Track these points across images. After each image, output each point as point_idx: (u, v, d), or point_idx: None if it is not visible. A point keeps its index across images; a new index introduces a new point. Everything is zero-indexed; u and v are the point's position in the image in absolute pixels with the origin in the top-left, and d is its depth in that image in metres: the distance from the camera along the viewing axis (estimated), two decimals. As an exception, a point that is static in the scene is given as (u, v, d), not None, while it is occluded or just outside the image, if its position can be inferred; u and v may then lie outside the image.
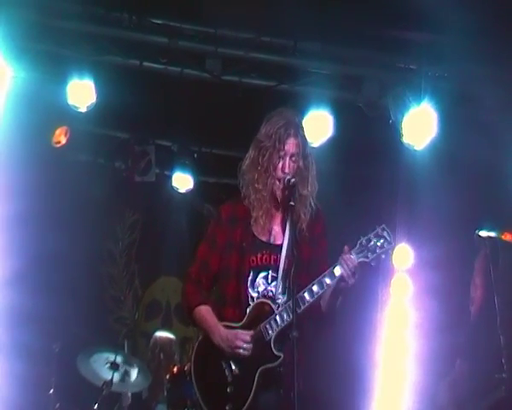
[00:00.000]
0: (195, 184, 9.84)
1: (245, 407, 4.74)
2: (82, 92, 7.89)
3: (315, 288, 4.77)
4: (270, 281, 4.95)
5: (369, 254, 4.78)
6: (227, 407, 4.78)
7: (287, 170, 4.94)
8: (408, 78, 7.83)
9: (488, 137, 7.33)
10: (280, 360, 4.74)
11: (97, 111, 8.16)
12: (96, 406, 7.55)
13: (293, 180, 4.88)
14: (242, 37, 7.79)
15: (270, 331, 4.78)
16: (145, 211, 10.53)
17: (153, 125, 9.36)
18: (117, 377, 7.82)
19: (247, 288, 4.93)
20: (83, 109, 8.03)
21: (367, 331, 8.77)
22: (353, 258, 4.75)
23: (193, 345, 5.15)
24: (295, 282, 4.66)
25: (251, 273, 4.95)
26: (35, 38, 7.59)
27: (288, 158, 4.95)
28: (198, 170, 9.83)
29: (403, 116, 7.77)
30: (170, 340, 8.56)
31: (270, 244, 5.00)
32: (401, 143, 7.84)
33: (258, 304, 4.90)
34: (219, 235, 5.08)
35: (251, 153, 5.07)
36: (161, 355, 8.37)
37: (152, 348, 8.52)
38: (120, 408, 7.96)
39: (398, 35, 7.62)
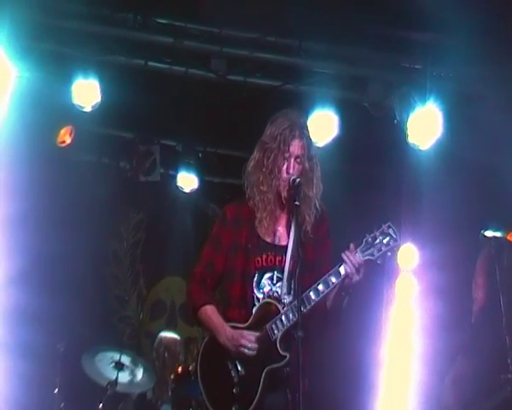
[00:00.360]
0: (200, 184, 9.83)
1: (251, 408, 4.74)
2: (87, 92, 7.90)
3: (320, 287, 4.77)
4: (275, 282, 4.95)
5: (375, 252, 4.79)
6: (233, 408, 4.77)
7: (291, 171, 4.94)
8: (413, 78, 7.83)
9: (493, 137, 7.32)
10: (286, 359, 4.74)
11: (102, 111, 8.16)
12: (101, 405, 7.55)
13: (298, 180, 4.88)
14: (247, 36, 7.80)
15: (275, 331, 4.78)
16: (150, 211, 10.54)
17: (158, 124, 9.35)
18: (122, 376, 7.82)
19: (252, 289, 4.93)
20: (87, 109, 8.04)
21: (372, 331, 8.77)
22: (358, 255, 4.75)
23: (197, 345, 5.17)
24: (300, 282, 4.66)
25: (256, 274, 4.95)
26: (40, 38, 7.61)
27: (292, 160, 4.96)
28: (203, 170, 9.83)
29: (408, 116, 7.76)
30: (175, 340, 8.55)
31: (275, 245, 5.00)
32: (406, 143, 7.83)
33: (263, 304, 4.90)
34: (224, 235, 5.08)
35: (256, 154, 5.07)
36: (166, 355, 8.36)
37: (157, 348, 8.51)
38: (125, 407, 7.97)
39: (404, 35, 7.62)
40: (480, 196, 7.64)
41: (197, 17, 7.69)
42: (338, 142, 8.08)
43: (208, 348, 5.00)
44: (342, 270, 4.76)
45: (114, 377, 7.73)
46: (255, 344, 4.78)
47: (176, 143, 9.85)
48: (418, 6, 6.70)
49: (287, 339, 4.76)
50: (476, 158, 7.42)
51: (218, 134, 9.38)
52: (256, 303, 4.91)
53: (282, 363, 4.75)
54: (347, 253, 4.76)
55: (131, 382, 7.95)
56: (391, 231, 4.83)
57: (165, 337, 8.60)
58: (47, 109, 8.31)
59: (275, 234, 5.03)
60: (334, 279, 4.76)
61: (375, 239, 4.80)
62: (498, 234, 6.32)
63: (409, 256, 8.72)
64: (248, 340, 4.79)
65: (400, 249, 8.71)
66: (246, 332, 4.83)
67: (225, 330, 4.87)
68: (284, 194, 4.98)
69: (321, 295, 4.76)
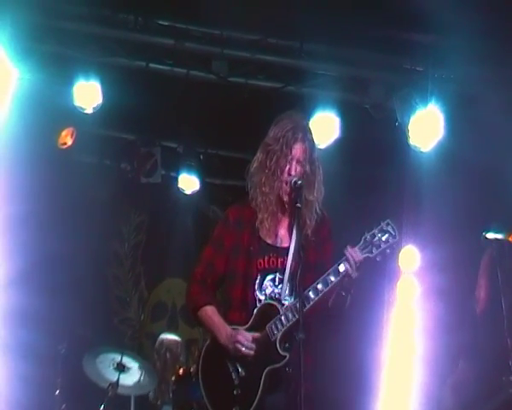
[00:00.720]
0: (201, 186, 9.83)
1: (252, 409, 4.74)
2: (88, 94, 7.90)
3: (319, 286, 4.78)
4: (277, 283, 4.95)
5: (374, 250, 4.80)
6: None
7: (293, 173, 4.95)
8: (414, 79, 7.83)
9: (495, 138, 7.31)
10: (286, 359, 4.75)
11: (103, 112, 8.16)
12: (102, 407, 7.55)
13: (299, 182, 4.88)
14: (248, 38, 7.80)
15: (275, 332, 4.79)
16: (151, 212, 10.54)
17: (159, 126, 9.36)
18: (123, 378, 7.82)
19: (254, 291, 4.94)
20: (89, 111, 8.04)
21: (373, 333, 8.76)
22: (358, 253, 4.77)
23: (198, 347, 5.18)
24: (302, 284, 4.67)
25: (258, 276, 4.96)
26: (41, 40, 7.61)
27: (294, 162, 4.97)
28: (204, 171, 9.83)
29: (409, 118, 7.76)
30: (176, 341, 8.56)
31: (277, 247, 5.01)
32: (407, 144, 7.83)
33: (264, 306, 4.91)
34: (226, 237, 5.09)
35: (259, 156, 5.08)
36: (168, 356, 8.38)
37: (158, 350, 8.52)
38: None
39: (405, 37, 7.62)
40: (482, 197, 7.63)
41: (198, 19, 7.69)
42: (339, 144, 8.08)
43: (209, 350, 5.00)
44: (341, 268, 4.77)
45: (115, 379, 7.72)
46: (252, 343, 4.79)
47: (177, 145, 9.86)
48: (419, 8, 6.69)
49: (286, 339, 4.77)
50: (478, 160, 7.42)
51: (219, 136, 9.39)
52: (258, 305, 4.92)
53: (282, 363, 4.75)
54: (350, 249, 4.77)
55: (133, 383, 7.94)
56: (390, 228, 4.85)
57: (167, 339, 8.61)
58: (48, 111, 8.31)
59: (277, 236, 5.04)
60: (333, 278, 4.77)
61: (374, 237, 4.82)
62: (500, 236, 6.31)
63: (410, 258, 8.72)
64: (246, 338, 4.80)
65: (401, 251, 8.72)
66: (243, 331, 4.84)
67: (226, 330, 4.88)
68: (285, 196, 4.99)
69: (320, 294, 4.76)
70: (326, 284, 4.77)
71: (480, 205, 7.58)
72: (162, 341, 8.57)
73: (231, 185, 9.89)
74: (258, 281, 4.95)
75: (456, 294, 7.88)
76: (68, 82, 7.88)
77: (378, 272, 8.65)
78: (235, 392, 4.81)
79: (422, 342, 8.40)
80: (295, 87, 8.05)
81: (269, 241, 5.02)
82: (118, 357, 7.84)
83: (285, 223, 5.08)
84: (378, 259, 4.82)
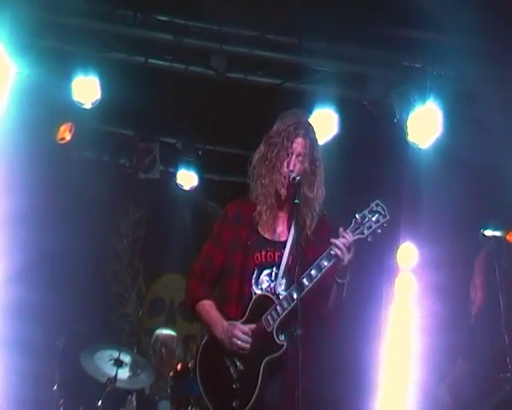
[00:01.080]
0: (200, 182, 9.83)
1: (252, 402, 4.76)
2: (87, 89, 7.90)
3: (313, 272, 4.81)
4: (273, 278, 4.97)
5: (365, 230, 4.84)
6: (234, 404, 4.80)
7: (291, 167, 4.98)
8: (413, 76, 7.83)
9: (493, 136, 7.32)
10: (283, 348, 4.77)
11: (102, 108, 8.16)
12: (100, 402, 7.55)
13: (298, 178, 4.91)
14: (247, 34, 7.79)
15: (271, 322, 4.81)
16: (149, 208, 10.53)
17: (157, 122, 9.35)
18: (121, 373, 7.82)
19: (251, 285, 4.97)
20: (87, 106, 8.03)
21: (371, 330, 8.77)
22: (349, 234, 4.79)
23: (196, 343, 5.18)
24: (299, 279, 4.68)
25: (255, 271, 4.99)
26: (40, 35, 7.60)
27: (294, 156, 5.01)
28: (202, 167, 9.82)
29: (408, 115, 7.76)
30: (172, 336, 8.56)
31: (275, 242, 5.03)
32: (406, 141, 7.83)
33: (258, 298, 4.93)
34: (225, 232, 5.12)
35: (261, 148, 5.13)
36: (163, 351, 8.38)
37: (153, 345, 8.52)
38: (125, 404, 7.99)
39: (404, 34, 7.61)
40: (480, 195, 7.64)
41: (197, 14, 7.68)
42: (338, 140, 8.07)
43: (207, 346, 5.02)
44: (333, 252, 4.80)
45: (113, 374, 7.73)
46: (247, 336, 4.81)
47: (176, 141, 9.85)
48: (418, 5, 6.69)
49: (283, 328, 4.81)
50: (476, 157, 7.42)
51: (217, 132, 9.38)
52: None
53: (279, 352, 4.77)
54: (333, 239, 4.80)
55: (130, 378, 7.95)
56: (379, 208, 4.89)
57: (162, 334, 8.61)
58: (47, 106, 8.31)
59: (275, 231, 5.06)
60: (325, 262, 4.80)
61: (365, 218, 4.86)
62: (498, 233, 6.31)
63: (408, 255, 8.73)
64: (242, 331, 4.82)
65: (400, 248, 8.73)
66: (239, 325, 4.86)
67: (222, 324, 4.91)
68: (283, 190, 5.01)
69: (314, 280, 4.78)
70: (319, 268, 4.80)
71: (478, 202, 7.59)
72: (157, 336, 8.57)
73: (230, 181, 9.90)
74: (254, 275, 4.97)
75: (453, 291, 7.89)
76: (67, 77, 7.87)
77: (376, 269, 8.68)
78: (234, 386, 4.83)
79: (420, 339, 8.41)
80: (294, 83, 8.05)
81: (267, 235, 5.04)
82: (116, 353, 7.85)
83: (283, 219, 5.10)
84: (369, 239, 4.85)
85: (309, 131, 5.11)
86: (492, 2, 6.85)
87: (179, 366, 7.46)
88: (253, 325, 4.85)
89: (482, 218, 6.73)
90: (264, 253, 5.00)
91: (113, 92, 8.00)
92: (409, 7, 6.83)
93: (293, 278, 4.84)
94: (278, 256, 4.99)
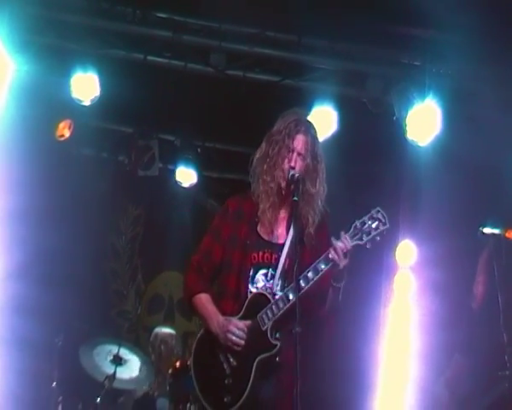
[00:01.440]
0: (199, 179, 9.82)
1: (243, 398, 4.77)
2: (86, 86, 7.90)
3: (310, 274, 4.82)
4: (269, 278, 4.99)
5: (364, 237, 4.83)
6: (225, 399, 4.81)
7: (292, 164, 5.00)
8: (412, 74, 7.83)
9: (492, 133, 7.32)
10: (277, 348, 4.79)
11: (101, 105, 8.16)
12: (99, 399, 7.55)
13: (297, 175, 4.92)
14: (247, 31, 7.79)
15: (266, 321, 4.83)
16: (148, 205, 10.53)
17: (156, 119, 9.35)
18: (120, 371, 7.82)
19: (247, 283, 4.98)
20: (86, 103, 8.04)
21: (370, 327, 8.77)
22: (347, 240, 4.79)
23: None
24: (298, 278, 4.69)
25: (251, 269, 5.00)
26: (39, 32, 7.60)
27: (295, 154, 5.03)
28: (201, 165, 9.81)
29: (407, 112, 7.76)
30: (171, 334, 8.57)
31: (273, 243, 5.05)
32: (405, 139, 7.83)
33: (255, 296, 4.94)
34: (224, 228, 5.13)
35: (262, 146, 5.15)
36: (162, 348, 8.38)
37: (152, 342, 8.52)
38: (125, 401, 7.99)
39: (403, 31, 7.62)
40: (479, 192, 7.64)
41: (196, 11, 7.68)
42: (337, 138, 8.07)
43: (202, 340, 5.05)
44: (331, 256, 4.80)
45: (112, 372, 7.72)
46: (242, 332, 4.83)
47: (174, 138, 9.84)
48: (418, 3, 6.69)
49: (277, 328, 4.82)
50: (475, 155, 7.42)
51: (216, 129, 9.38)
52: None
53: (273, 352, 4.78)
54: (334, 241, 4.80)
55: (130, 377, 7.95)
56: (380, 215, 4.88)
57: (161, 332, 8.61)
58: (46, 103, 8.31)
59: (274, 233, 5.07)
60: (323, 266, 4.80)
61: (364, 224, 4.85)
62: (497, 231, 6.32)
63: (407, 253, 8.72)
64: (236, 326, 4.84)
65: (398, 246, 8.73)
66: (235, 320, 4.88)
67: (218, 318, 4.93)
68: (283, 186, 5.02)
69: (310, 282, 4.79)
70: (316, 271, 4.80)
71: (477, 200, 7.59)
72: (156, 334, 8.58)
73: (229, 179, 9.89)
74: (251, 274, 4.99)
75: (452, 289, 7.89)
76: (66, 74, 7.87)
77: (375, 267, 8.68)
78: (226, 382, 4.84)
79: (419, 336, 8.41)
80: (293, 81, 8.05)
81: (265, 237, 5.06)
82: (114, 349, 7.84)
83: (283, 220, 5.11)
84: (368, 246, 4.85)
85: (310, 129, 5.14)
86: (492, 1, 6.85)
87: (178, 364, 7.46)
88: (248, 322, 4.86)
89: (481, 215, 6.74)
90: (261, 253, 5.02)
91: (112, 89, 8.00)
92: (408, 5, 6.82)
93: (290, 279, 4.85)
94: (275, 258, 5.00)
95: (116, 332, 9.86)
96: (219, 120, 8.97)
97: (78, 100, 8.01)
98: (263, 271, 5.00)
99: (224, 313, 4.94)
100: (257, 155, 5.15)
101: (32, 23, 7.45)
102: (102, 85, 7.94)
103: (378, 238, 4.85)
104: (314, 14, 7.32)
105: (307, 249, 4.93)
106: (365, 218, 4.86)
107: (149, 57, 7.93)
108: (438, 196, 7.93)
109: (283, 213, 5.11)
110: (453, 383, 7.22)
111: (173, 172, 9.81)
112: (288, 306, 4.78)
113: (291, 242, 4.96)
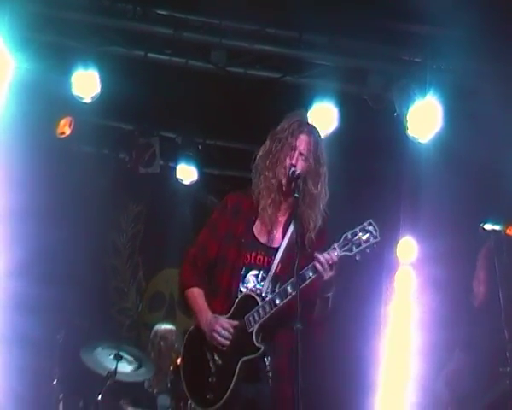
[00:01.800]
0: (200, 176, 9.84)
1: (225, 398, 4.79)
2: (86, 83, 7.90)
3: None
4: (259, 280, 4.99)
5: (354, 248, 4.77)
6: (208, 397, 4.84)
7: (294, 162, 5.00)
8: (413, 71, 7.82)
9: (493, 130, 7.31)
10: (260, 351, 4.79)
11: (102, 102, 8.16)
12: (100, 396, 7.56)
13: (297, 172, 4.91)
14: (247, 28, 7.79)
15: (252, 323, 4.83)
16: (149, 202, 10.54)
17: (157, 116, 9.35)
18: (121, 368, 7.82)
19: (238, 282, 4.99)
20: (87, 100, 8.04)
21: (370, 324, 8.77)
22: (335, 251, 4.75)
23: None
24: (298, 270, 4.67)
25: (243, 269, 5.01)
26: (39, 29, 7.60)
27: (297, 153, 5.03)
28: (202, 162, 9.83)
29: (407, 109, 7.75)
30: (171, 331, 8.58)
31: (267, 246, 5.05)
32: (406, 135, 7.83)
33: (244, 297, 4.94)
34: (221, 223, 5.15)
35: (266, 143, 5.17)
36: (162, 344, 8.39)
37: (152, 339, 8.54)
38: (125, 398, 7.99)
39: (403, 28, 7.61)
40: (480, 188, 7.64)
41: (197, 8, 7.68)
42: (338, 134, 8.07)
43: (192, 336, 5.09)
44: (318, 265, 4.77)
45: (113, 368, 7.73)
46: (227, 332, 4.84)
47: (175, 135, 9.85)
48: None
49: (264, 331, 4.82)
50: (476, 151, 7.41)
51: (217, 126, 9.38)
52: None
53: (256, 354, 4.79)
54: (317, 254, 4.76)
55: (131, 372, 7.95)
56: (371, 228, 4.82)
57: (161, 328, 8.62)
58: (46, 100, 8.31)
59: (269, 235, 5.07)
60: (310, 274, 4.76)
61: (355, 235, 4.80)
62: (497, 227, 6.31)
63: (408, 249, 8.72)
64: (222, 326, 4.85)
65: (399, 243, 8.72)
66: (222, 319, 4.89)
67: (206, 315, 4.95)
68: (284, 182, 5.02)
69: (297, 289, 4.72)
70: (303, 279, 4.75)
71: (478, 196, 7.58)
72: (156, 331, 8.59)
73: (230, 176, 9.90)
74: (242, 273, 4.99)
75: (453, 286, 7.88)
76: (67, 71, 7.88)
77: (375, 264, 8.68)
78: (210, 379, 4.88)
79: (419, 333, 8.40)
80: (294, 77, 8.05)
81: (260, 239, 5.06)
82: (115, 350, 7.84)
83: (281, 224, 5.10)
84: (357, 258, 4.79)
85: (313, 131, 5.17)
86: (492, -3, 6.86)
87: (179, 360, 7.45)
88: (234, 322, 4.87)
89: (482, 212, 6.73)
90: (254, 254, 5.02)
91: (112, 86, 8.00)
92: (409, 1, 6.82)
93: (282, 282, 4.85)
94: (267, 261, 5.00)
95: (117, 330, 9.88)
96: (220, 118, 8.97)
97: (79, 97, 8.02)
98: (254, 272, 4.99)
99: (215, 311, 4.96)
100: (260, 153, 5.15)
101: (32, 20, 7.45)
102: (103, 82, 7.94)
103: (368, 251, 4.80)
104: (314, 11, 7.31)
105: (304, 254, 4.86)
106: (357, 229, 4.81)
107: (150, 54, 7.93)
108: (439, 193, 7.93)
109: (282, 216, 5.11)
110: (453, 381, 7.21)
111: (174, 169, 9.82)
112: (273, 310, 4.78)
113: (288, 243, 4.97)
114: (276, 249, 5.01)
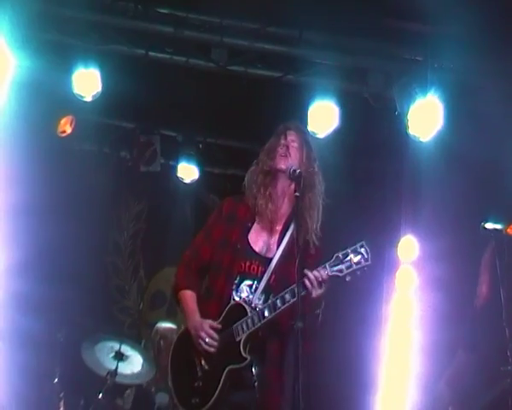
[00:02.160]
0: (200, 175, 9.83)
1: (210, 403, 4.82)
2: (87, 81, 7.90)
3: (287, 296, 4.81)
4: (253, 290, 5.01)
5: (344, 269, 4.80)
6: (193, 401, 4.87)
7: (286, 151, 5.07)
8: (414, 69, 7.81)
9: (494, 128, 7.31)
10: (246, 361, 4.82)
11: (103, 100, 8.16)
12: (101, 395, 7.55)
13: (298, 171, 4.91)
14: (248, 27, 7.78)
15: (240, 333, 4.86)
16: (150, 201, 10.53)
17: (158, 114, 9.35)
18: (121, 367, 7.82)
19: (231, 290, 5.01)
20: (88, 99, 8.04)
21: (371, 323, 8.76)
22: (325, 270, 4.77)
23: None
24: (300, 268, 4.67)
25: (238, 277, 5.02)
26: (41, 27, 7.60)
27: (289, 146, 5.09)
28: (203, 160, 9.82)
29: (408, 107, 7.75)
30: (171, 329, 8.56)
31: (262, 256, 5.06)
32: (407, 134, 7.82)
33: (234, 306, 4.96)
34: (216, 229, 5.19)
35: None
36: (161, 343, 8.38)
37: (153, 338, 8.54)
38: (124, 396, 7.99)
39: (404, 26, 7.60)
40: (481, 187, 7.63)
41: (198, 7, 7.68)
42: (338, 133, 8.07)
43: (182, 339, 5.12)
44: (307, 283, 4.79)
45: (114, 368, 7.73)
46: (212, 340, 4.87)
47: (176, 134, 9.84)
48: (419, -3, 6.70)
49: (252, 341, 4.85)
50: (477, 149, 7.40)
51: (218, 125, 9.37)
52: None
53: (242, 364, 4.82)
54: (306, 271, 4.77)
55: (131, 372, 7.95)
56: (363, 250, 4.84)
57: (162, 327, 8.61)
58: (47, 99, 8.30)
59: (264, 245, 5.10)
60: (300, 289, 4.72)
61: (346, 256, 4.82)
62: (498, 226, 6.30)
63: (409, 248, 8.71)
64: (207, 333, 4.88)
65: (400, 241, 8.72)
66: (209, 326, 4.90)
67: (194, 318, 4.99)
68: (278, 168, 5.07)
69: (286, 304, 4.78)
70: (293, 294, 4.76)
71: (479, 195, 7.58)
72: (157, 329, 8.58)
73: (230, 174, 9.89)
74: (236, 282, 5.01)
75: (454, 284, 7.87)
76: (68, 70, 7.87)
77: (376, 262, 8.67)
78: (196, 384, 4.90)
79: (420, 333, 8.40)
80: (294, 76, 8.04)
81: (255, 248, 5.08)
82: (116, 345, 7.85)
83: (277, 233, 5.12)
84: (347, 279, 4.81)
85: (301, 129, 5.26)
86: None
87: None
88: (219, 330, 4.88)
89: (483, 211, 6.72)
90: (248, 263, 5.04)
91: (113, 85, 8.00)
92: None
93: (275, 293, 4.88)
94: (261, 271, 5.01)
95: (118, 328, 9.86)
96: (221, 116, 8.97)
97: (80, 96, 8.02)
98: (248, 282, 5.01)
99: (206, 315, 4.98)
100: (252, 168, 5.24)
101: (33, 19, 7.44)
102: (104, 81, 7.94)
103: (358, 273, 4.81)
104: (315, 9, 7.30)
105: (293, 267, 4.80)
106: (348, 250, 4.83)
107: (151, 53, 7.92)
108: (440, 192, 7.92)
109: (278, 226, 5.13)
110: (455, 381, 7.21)
111: (175, 167, 9.82)
112: (262, 323, 4.81)
113: (282, 253, 5.00)
114: (270, 260, 5.02)
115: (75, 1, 7.53)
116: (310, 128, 7.81)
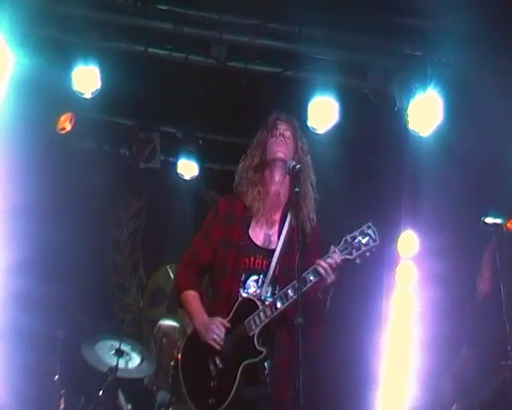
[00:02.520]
0: (200, 171, 9.83)
1: (227, 402, 4.80)
2: (87, 78, 7.90)
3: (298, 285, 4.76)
4: (260, 285, 5.00)
5: (354, 252, 4.79)
6: (210, 401, 4.84)
7: (279, 140, 5.06)
8: (413, 64, 7.82)
9: (494, 123, 7.31)
10: (262, 354, 4.81)
11: (102, 97, 8.16)
12: (101, 392, 7.55)
13: (298, 166, 4.90)
14: (247, 23, 7.78)
15: (253, 327, 4.84)
16: (150, 198, 10.53)
17: (158, 111, 9.34)
18: (122, 363, 7.82)
19: (239, 288, 4.99)
20: (88, 96, 8.04)
21: (372, 319, 8.77)
22: (336, 254, 4.76)
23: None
24: (300, 264, 4.65)
25: (243, 275, 5.01)
26: (40, 24, 7.60)
27: (281, 136, 5.08)
28: (203, 157, 9.83)
29: (408, 103, 7.76)
30: (173, 327, 8.56)
31: (264, 249, 5.05)
32: (407, 129, 7.82)
33: (244, 301, 4.95)
34: (214, 229, 5.16)
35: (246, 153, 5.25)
36: (164, 341, 8.37)
37: (155, 336, 8.52)
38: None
39: (404, 22, 7.60)
40: (480, 182, 7.64)
41: (197, 3, 7.68)
42: (338, 129, 8.06)
43: (190, 340, 5.11)
44: (320, 269, 4.78)
45: (115, 364, 7.73)
46: (221, 337, 4.85)
47: (176, 130, 9.85)
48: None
49: (264, 335, 4.83)
50: (476, 145, 7.41)
51: (218, 121, 9.37)
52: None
53: (258, 358, 4.81)
54: (318, 261, 4.78)
55: (131, 368, 7.94)
56: (370, 231, 4.82)
57: (164, 325, 8.60)
58: (47, 96, 8.28)
59: (266, 237, 5.08)
60: (312, 277, 4.77)
61: (355, 239, 4.81)
62: (498, 221, 6.30)
63: (409, 244, 8.72)
64: (217, 326, 4.87)
65: (400, 237, 8.72)
66: (218, 320, 4.89)
67: (202, 316, 4.97)
68: (269, 158, 5.07)
69: (298, 293, 4.72)
70: (305, 283, 4.76)
71: (479, 190, 7.58)
72: (159, 327, 8.57)
73: (230, 170, 9.71)
74: (242, 279, 4.99)
75: (454, 280, 7.88)
76: (67, 67, 7.87)
77: (377, 258, 8.67)
78: (211, 384, 4.88)
79: (420, 328, 8.40)
80: (294, 72, 8.04)
81: (257, 242, 5.07)
82: (116, 343, 7.85)
83: (276, 223, 5.11)
84: (357, 261, 4.80)
85: (291, 120, 5.22)
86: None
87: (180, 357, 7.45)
88: (228, 324, 4.88)
89: (483, 206, 6.72)
90: (252, 259, 5.02)
91: (113, 82, 8.00)
92: (409, -5, 6.83)
93: (281, 286, 4.88)
94: (266, 265, 5.00)
95: (118, 325, 9.87)
96: (220, 112, 8.97)
97: (79, 93, 8.02)
98: (254, 277, 5.00)
99: (214, 315, 4.96)
100: (241, 163, 5.24)
101: (32, 16, 7.44)
102: (103, 78, 7.94)
103: (368, 254, 4.80)
104: (315, 5, 7.30)
105: (301, 252, 4.79)
106: (356, 232, 4.82)
107: (150, 49, 7.93)
108: (440, 187, 7.93)
109: (276, 215, 5.12)
110: (457, 375, 7.22)
111: (175, 164, 9.82)
112: (275, 314, 4.79)
113: (284, 243, 4.99)
114: (273, 251, 5.01)
115: (75, -2, 7.54)
116: (310, 124, 7.82)
